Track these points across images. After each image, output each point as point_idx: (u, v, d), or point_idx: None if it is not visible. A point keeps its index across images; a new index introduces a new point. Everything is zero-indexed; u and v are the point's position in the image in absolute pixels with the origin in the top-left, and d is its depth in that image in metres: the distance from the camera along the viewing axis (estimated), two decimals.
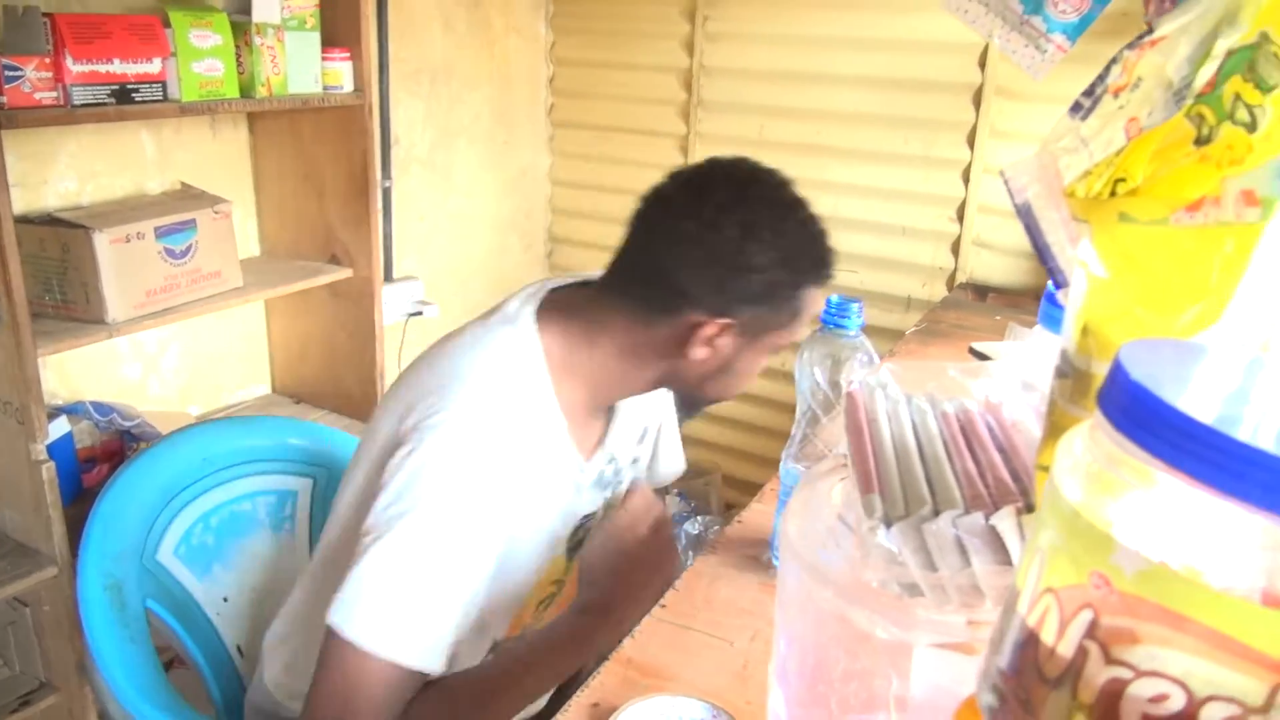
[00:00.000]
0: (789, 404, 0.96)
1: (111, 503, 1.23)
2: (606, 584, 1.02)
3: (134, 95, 1.63)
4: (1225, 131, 0.47)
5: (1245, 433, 0.41)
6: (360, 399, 2.13)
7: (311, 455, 1.49)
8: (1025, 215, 0.52)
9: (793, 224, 0.96)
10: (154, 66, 1.66)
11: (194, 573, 1.33)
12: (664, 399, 1.22)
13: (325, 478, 1.48)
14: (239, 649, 1.36)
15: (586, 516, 1.08)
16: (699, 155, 2.57)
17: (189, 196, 1.93)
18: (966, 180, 2.28)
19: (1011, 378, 0.70)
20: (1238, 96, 0.47)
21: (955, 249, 2.33)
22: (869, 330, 2.49)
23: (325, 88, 1.93)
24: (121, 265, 1.68)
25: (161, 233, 1.76)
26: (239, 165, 2.11)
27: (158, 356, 2.03)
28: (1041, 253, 0.53)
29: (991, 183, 2.25)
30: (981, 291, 2.13)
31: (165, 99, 1.68)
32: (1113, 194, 0.50)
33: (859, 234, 2.42)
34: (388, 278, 2.38)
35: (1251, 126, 0.47)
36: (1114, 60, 0.50)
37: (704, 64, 2.51)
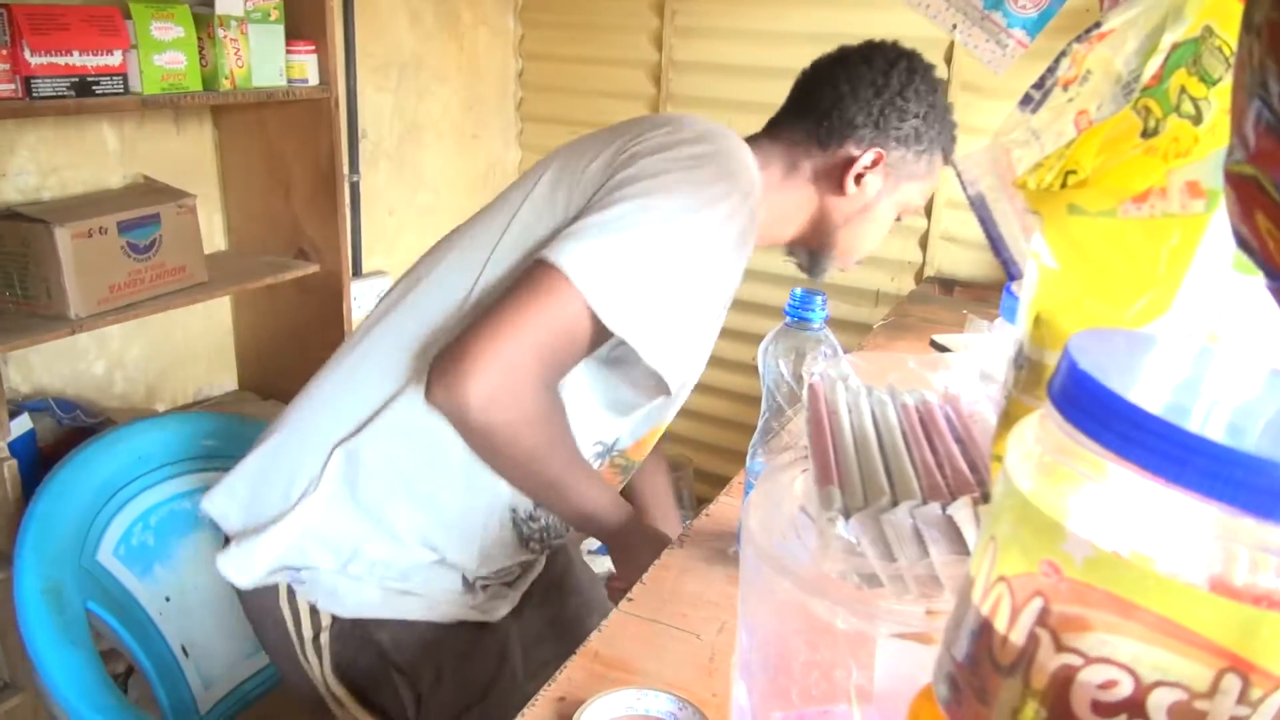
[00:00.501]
0: (758, 398, 0.97)
1: (48, 503, 1.21)
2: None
3: (94, 88, 1.61)
4: (1171, 124, 0.48)
5: (1194, 422, 0.41)
6: None
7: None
8: (978, 207, 0.53)
9: (939, 96, 1.14)
10: (114, 59, 1.63)
11: (134, 573, 1.32)
12: None
13: None
14: (183, 649, 1.35)
15: None
16: None
17: (152, 191, 1.90)
18: None
19: (970, 369, 0.70)
20: (1183, 89, 0.47)
21: (923, 243, 2.35)
22: (838, 324, 2.50)
23: (290, 81, 1.91)
24: (83, 260, 1.66)
25: (124, 227, 1.74)
26: (204, 159, 2.09)
27: (122, 352, 2.01)
28: (994, 243, 0.54)
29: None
30: (948, 285, 2.15)
31: (126, 92, 1.66)
32: (1063, 185, 0.50)
33: None
34: (356, 273, 2.36)
35: (1197, 119, 0.47)
36: (1063, 53, 0.50)
37: (673, 59, 2.51)
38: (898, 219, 1.21)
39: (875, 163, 1.12)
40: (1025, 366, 0.51)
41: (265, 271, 2.00)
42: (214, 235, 2.12)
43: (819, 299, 0.97)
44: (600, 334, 0.92)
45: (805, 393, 0.68)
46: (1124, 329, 0.47)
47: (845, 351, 1.01)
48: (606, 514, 1.05)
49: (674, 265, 0.94)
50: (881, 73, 1.12)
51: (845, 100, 1.11)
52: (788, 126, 1.17)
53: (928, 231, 2.33)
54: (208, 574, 1.39)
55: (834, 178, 1.14)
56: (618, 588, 1.07)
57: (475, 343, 0.88)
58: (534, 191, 1.03)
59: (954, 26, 1.10)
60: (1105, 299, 0.47)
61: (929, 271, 2.35)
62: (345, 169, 2.05)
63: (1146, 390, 0.44)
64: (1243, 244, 0.34)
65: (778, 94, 2.42)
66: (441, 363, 0.90)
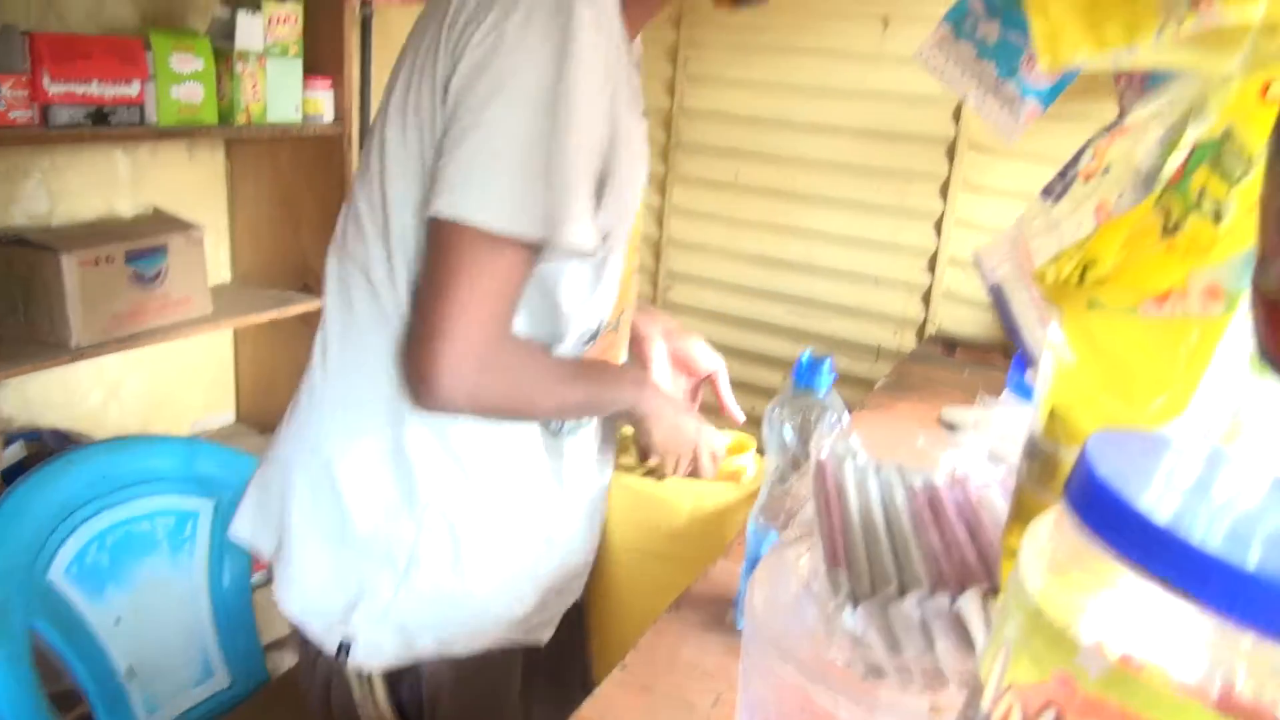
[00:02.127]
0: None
1: (1, 520, 1.22)
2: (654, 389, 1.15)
3: (110, 117, 1.62)
4: (1192, 222, 0.47)
5: (1207, 528, 0.41)
6: None
7: (216, 477, 1.49)
8: (996, 295, 0.53)
9: None
10: (132, 89, 1.65)
11: (85, 593, 1.32)
12: None
13: (229, 499, 1.47)
14: (130, 670, 1.35)
15: None
16: (677, 199, 2.59)
17: (162, 220, 1.91)
18: (939, 231, 2.30)
19: (979, 449, 0.70)
20: (1204, 189, 0.47)
21: (926, 299, 2.35)
22: (840, 378, 2.50)
23: (305, 117, 1.93)
24: (88, 289, 1.66)
25: (132, 256, 1.74)
26: (214, 189, 2.10)
27: (120, 382, 2.00)
28: (1011, 332, 0.53)
29: (964, 235, 2.27)
30: (950, 345, 2.15)
31: (142, 122, 1.67)
32: (1081, 278, 0.50)
33: (831, 282, 2.44)
34: None
35: (1217, 218, 0.47)
36: (1085, 146, 0.50)
37: (683, 106, 2.54)
38: None
39: None
40: (1039, 458, 0.50)
41: (269, 305, 2.00)
42: (219, 266, 2.12)
43: (826, 364, 0.97)
44: (533, 254, 0.88)
45: (813, 469, 0.67)
46: (1140, 430, 0.46)
47: (849, 410, 1.01)
48: (620, 399, 1.09)
49: (565, 141, 0.84)
50: None
51: None
52: None
53: (931, 288, 2.34)
54: (161, 596, 1.39)
55: None
56: (658, 470, 1.23)
57: (429, 344, 0.86)
58: (386, 150, 0.94)
59: (966, 94, 1.10)
60: (1122, 396, 0.47)
61: (930, 329, 2.35)
62: None
63: (1161, 495, 0.43)
64: (1272, 363, 0.33)
65: (784, 145, 2.44)
66: (409, 376, 0.89)
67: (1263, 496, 0.45)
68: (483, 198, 0.83)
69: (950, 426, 1.14)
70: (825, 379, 0.97)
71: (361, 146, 2.22)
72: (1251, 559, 0.37)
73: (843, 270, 2.42)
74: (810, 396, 0.98)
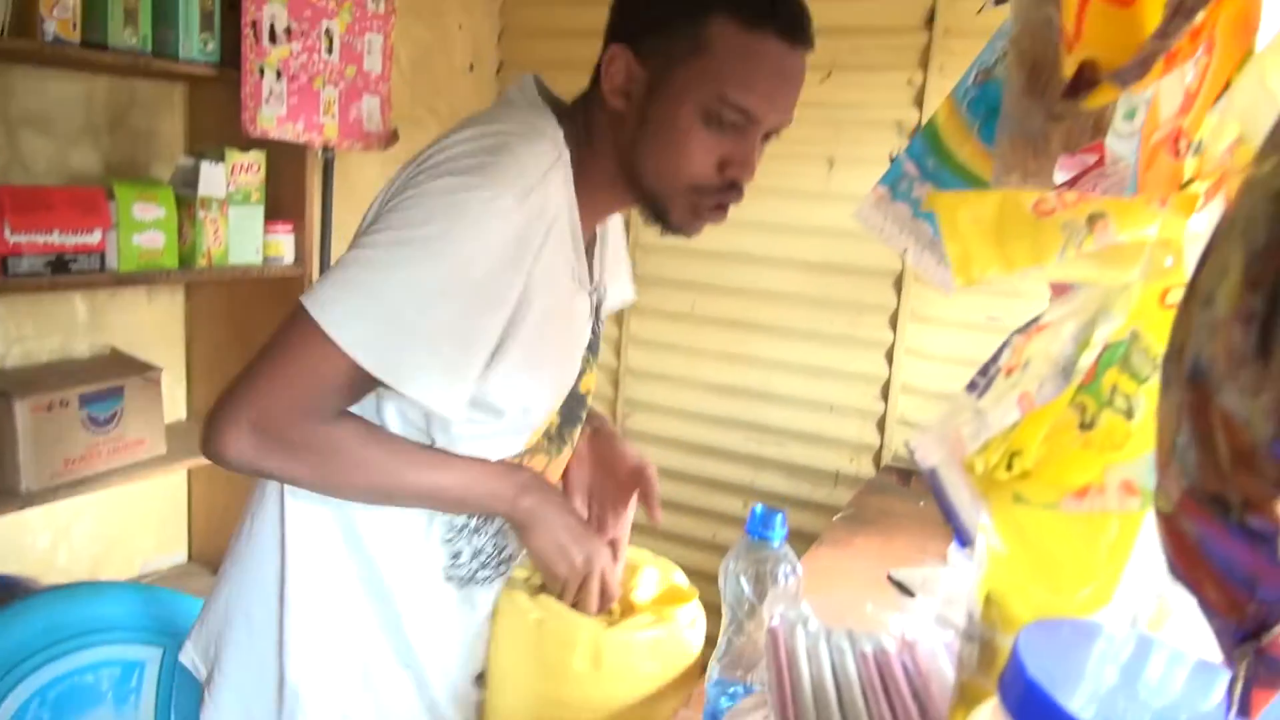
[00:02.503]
0: (713, 602, 0.97)
1: None
2: (552, 491, 1.02)
3: (70, 265, 1.63)
4: (1106, 418, 0.51)
5: (1139, 712, 0.42)
6: None
7: (163, 623, 1.45)
8: (932, 480, 0.55)
9: None
10: (94, 237, 1.67)
11: None
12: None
13: (175, 647, 1.43)
14: None
15: (590, 344, 1.07)
16: (635, 329, 2.64)
17: (119, 362, 1.91)
18: (890, 360, 2.37)
19: (927, 613, 0.71)
20: (1115, 386, 0.51)
21: (881, 426, 2.40)
22: (800, 504, 2.50)
23: (266, 259, 1.96)
24: (41, 434, 1.64)
25: (86, 400, 1.73)
26: (172, 329, 2.10)
27: (69, 525, 1.96)
28: (948, 514, 0.56)
29: (914, 363, 2.34)
30: (905, 475, 2.18)
31: (103, 269, 1.69)
32: (1009, 466, 0.53)
33: (788, 409, 2.48)
34: None
35: (1129, 414, 0.51)
36: (1005, 344, 0.54)
37: (640, 241, 2.61)
38: (730, 129, 0.92)
39: (613, 60, 0.92)
40: (977, 642, 0.52)
41: None
42: (176, 405, 2.11)
43: (779, 518, 0.98)
44: (370, 379, 0.88)
45: (766, 636, 0.68)
46: (1070, 619, 0.48)
47: (801, 556, 1.02)
48: (496, 496, 0.98)
49: (433, 294, 0.86)
50: None
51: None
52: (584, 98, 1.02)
53: (885, 416, 2.38)
54: None
55: (605, 108, 0.95)
56: (548, 587, 1.04)
57: (224, 398, 0.87)
58: None
59: (905, 250, 1.16)
60: (1050, 586, 0.49)
61: (887, 454, 2.39)
62: None
63: (1090, 687, 0.45)
64: (1178, 578, 0.36)
65: (739, 278, 2.52)
66: (208, 420, 0.88)
67: (1186, 682, 0.47)
68: (335, 302, 0.84)
69: (899, 586, 1.15)
70: (778, 531, 0.99)
71: None
72: None
73: (799, 398, 2.47)
74: (764, 549, 0.99)
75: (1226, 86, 0.44)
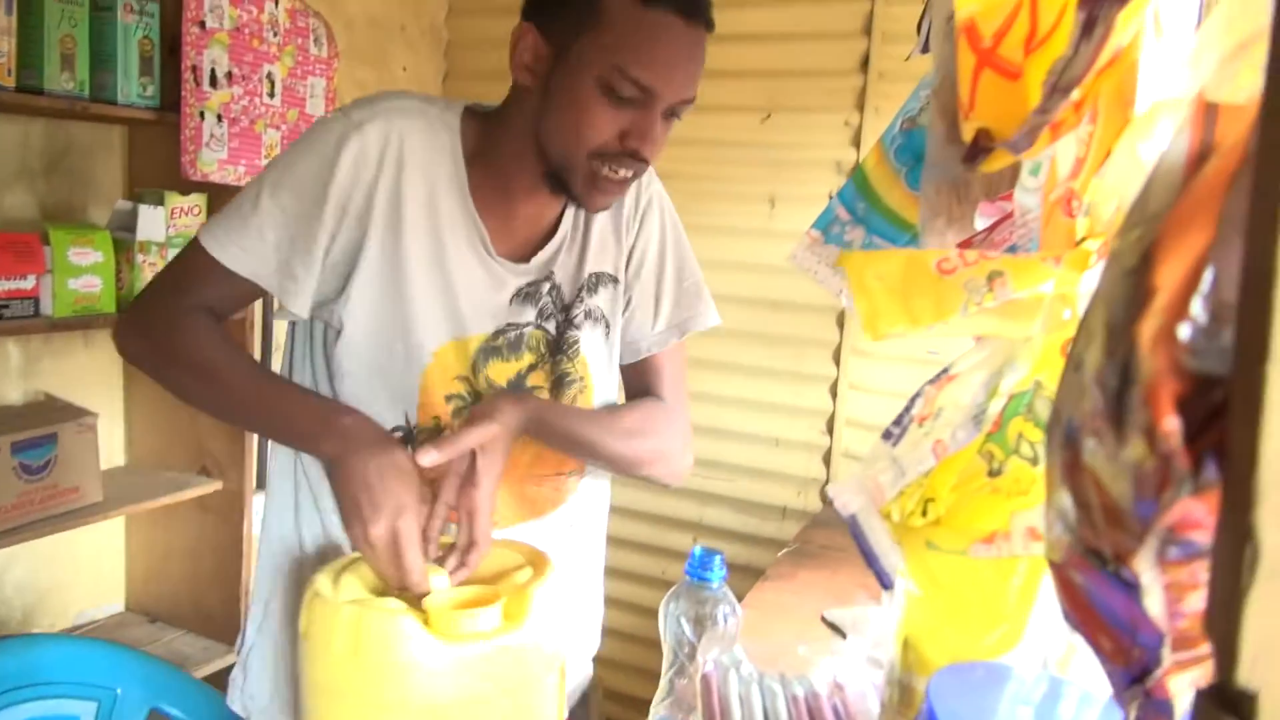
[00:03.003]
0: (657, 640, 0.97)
1: None
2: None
3: (3, 311, 1.60)
4: (1013, 465, 0.53)
5: None
6: (223, 619, 2.03)
7: (99, 676, 1.42)
8: (853, 526, 0.57)
9: None
10: (28, 283, 1.64)
11: None
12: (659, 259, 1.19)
13: (111, 701, 1.40)
14: None
15: (511, 325, 1.06)
16: None
17: (53, 409, 1.87)
18: (834, 395, 2.40)
19: (858, 653, 0.73)
20: (1021, 435, 0.53)
21: (827, 460, 2.43)
22: (749, 539, 2.50)
23: None
24: None
25: (18, 448, 1.69)
26: (111, 374, 2.07)
27: (1, 574, 1.90)
28: (869, 558, 0.57)
29: (857, 398, 2.38)
30: None
31: (36, 314, 1.66)
32: (924, 513, 0.55)
33: (735, 444, 2.50)
34: (260, 485, 2.32)
35: (1034, 461, 0.53)
36: (917, 395, 0.56)
37: None
38: (630, 102, 0.93)
39: (519, 39, 0.95)
40: (897, 688, 0.53)
41: (164, 489, 1.95)
42: (114, 451, 2.07)
43: (717, 559, 1.00)
44: (227, 277, 0.98)
45: (699, 681, 0.69)
46: (982, 662, 0.50)
47: (750, 591, 1.03)
48: (307, 423, 0.92)
49: (265, 188, 0.99)
50: None
51: None
52: None
53: (830, 450, 2.41)
54: None
55: (515, 87, 1.00)
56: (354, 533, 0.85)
57: (132, 304, 1.05)
58: None
59: (840, 291, 1.19)
60: (962, 630, 0.51)
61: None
62: None
63: None
64: (1071, 624, 0.37)
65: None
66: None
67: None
68: (213, 221, 1.01)
69: (833, 627, 1.17)
70: (717, 573, 1.00)
71: (264, 327, 2.23)
72: None
73: (745, 433, 2.49)
74: (704, 590, 1.00)
75: (1109, 154, 0.47)
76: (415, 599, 0.82)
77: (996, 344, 0.57)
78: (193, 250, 1.00)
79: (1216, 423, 0.26)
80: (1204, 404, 0.25)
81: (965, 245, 0.71)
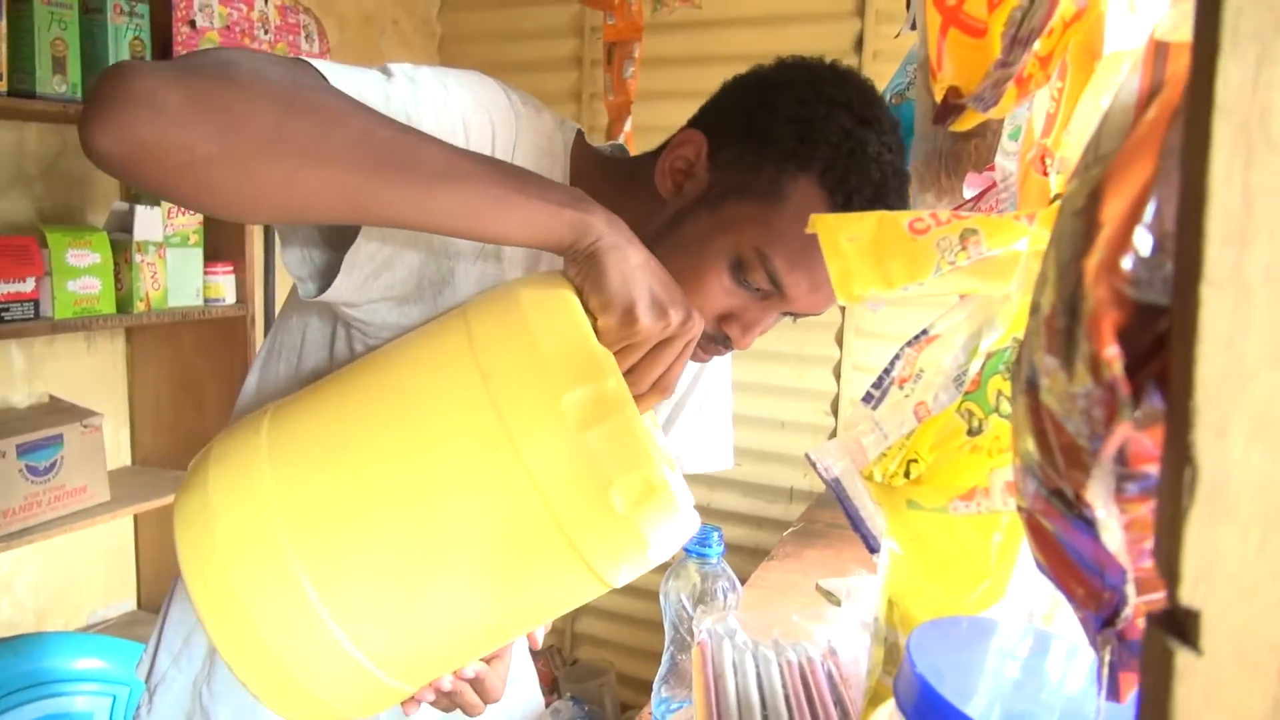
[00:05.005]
0: (657, 620, 0.97)
1: None
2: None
3: (4, 314, 1.61)
4: (993, 423, 0.53)
5: (1037, 714, 0.44)
6: None
7: (113, 673, 1.43)
8: (836, 489, 0.57)
9: (840, 110, 0.75)
10: (27, 286, 1.65)
11: None
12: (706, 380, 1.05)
13: (125, 696, 1.41)
14: None
15: None
16: None
17: (57, 410, 1.88)
18: (838, 376, 2.40)
19: (851, 620, 0.73)
20: (1000, 393, 0.53)
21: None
22: (756, 521, 2.50)
23: (207, 300, 1.95)
24: None
25: (23, 450, 1.71)
26: (113, 375, 2.08)
27: (12, 577, 1.92)
28: (854, 521, 0.58)
29: (861, 378, 2.38)
30: None
31: (37, 317, 1.67)
32: (907, 474, 0.55)
33: (740, 427, 2.48)
34: None
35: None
36: (896, 357, 0.56)
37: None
38: (755, 290, 0.77)
39: (685, 143, 0.78)
40: (883, 645, 0.54)
41: (171, 488, 1.96)
42: (119, 450, 2.09)
43: (715, 535, 1.00)
44: None
45: (693, 652, 0.70)
46: (965, 616, 0.50)
47: (755, 572, 1.03)
48: (553, 201, 0.61)
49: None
50: (782, 76, 0.81)
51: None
52: None
53: (835, 431, 2.42)
54: None
55: (648, 182, 0.81)
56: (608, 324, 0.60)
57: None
58: None
59: None
60: (946, 587, 0.51)
61: None
62: None
63: (990, 682, 0.47)
64: (1043, 571, 0.38)
65: None
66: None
67: (1076, 671, 0.49)
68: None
69: (827, 595, 1.18)
70: (715, 548, 1.00)
71: (266, 324, 2.24)
72: None
73: (751, 416, 2.49)
74: (702, 566, 1.01)
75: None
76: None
77: (975, 304, 0.57)
78: None
79: (1160, 353, 0.26)
80: (1148, 335, 0.26)
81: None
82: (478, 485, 0.56)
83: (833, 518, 1.88)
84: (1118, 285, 0.26)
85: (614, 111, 2.32)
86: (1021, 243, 0.50)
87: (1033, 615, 0.53)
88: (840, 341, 2.39)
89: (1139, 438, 0.28)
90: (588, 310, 0.60)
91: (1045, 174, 0.52)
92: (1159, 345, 0.26)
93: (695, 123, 0.82)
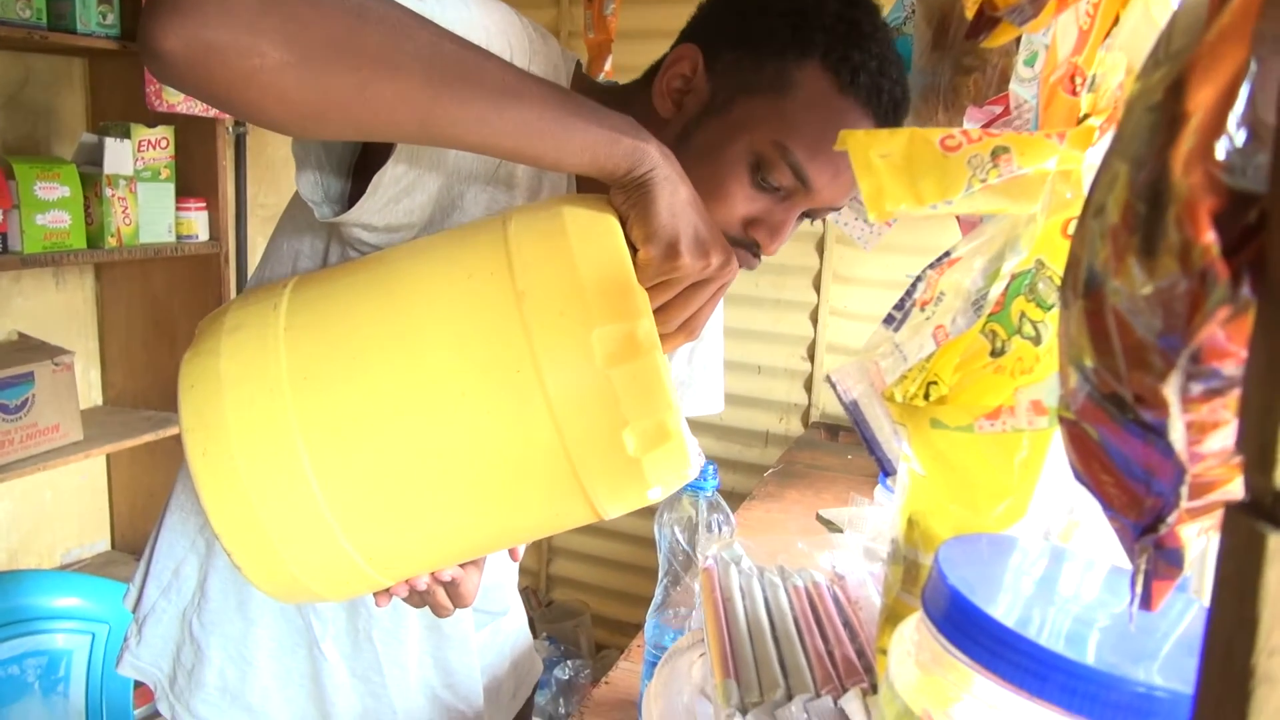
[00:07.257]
0: (652, 540, 0.98)
1: None
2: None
3: None
4: (1016, 344, 0.53)
5: (1048, 628, 0.45)
6: None
7: (89, 612, 1.43)
8: (853, 412, 0.57)
9: (839, 2, 0.74)
10: None
11: None
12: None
13: (104, 634, 1.41)
14: None
15: None
16: None
17: (27, 348, 1.84)
18: (815, 321, 2.41)
19: (855, 547, 0.74)
20: (1023, 314, 0.53)
21: (808, 386, 2.45)
22: (730, 465, 2.53)
23: (179, 237, 1.91)
24: None
25: None
26: (83, 313, 2.04)
27: None
28: (870, 444, 0.58)
29: (838, 323, 2.39)
30: (833, 430, 2.23)
31: (5, 251, 1.63)
32: (926, 396, 0.55)
33: None
34: None
35: (1037, 340, 0.53)
36: (918, 278, 0.56)
37: None
38: (776, 190, 0.75)
39: (680, 60, 0.77)
40: (902, 564, 0.54)
41: (145, 427, 1.94)
42: (91, 390, 2.05)
43: (710, 467, 1.01)
44: None
45: (700, 577, 0.70)
46: (987, 534, 0.51)
47: (734, 514, 1.04)
48: (610, 128, 0.60)
49: None
50: None
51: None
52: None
53: (811, 375, 2.43)
54: None
55: (647, 108, 0.79)
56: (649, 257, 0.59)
57: None
58: None
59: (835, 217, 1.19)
60: (968, 505, 0.51)
61: (815, 413, 2.44)
62: None
63: (1009, 596, 0.48)
64: (1080, 480, 0.38)
65: None
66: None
67: (1099, 589, 0.50)
68: None
69: (828, 524, 1.19)
70: (710, 481, 1.01)
71: (239, 263, 2.20)
72: (1088, 655, 0.41)
73: (727, 361, 2.48)
74: (696, 498, 1.01)
75: (1116, 22, 0.47)
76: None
77: (997, 227, 0.57)
78: None
79: (1251, 241, 0.26)
80: (1239, 222, 0.26)
81: None
82: (494, 401, 0.56)
83: (812, 459, 1.90)
84: (1212, 172, 0.25)
85: (594, 50, 2.27)
86: (1051, 161, 0.50)
87: (1050, 534, 0.54)
88: (818, 286, 2.40)
89: (1215, 333, 0.28)
90: (629, 241, 0.59)
91: (1075, 93, 0.51)
92: (1248, 235, 0.26)
93: (685, 38, 0.80)
